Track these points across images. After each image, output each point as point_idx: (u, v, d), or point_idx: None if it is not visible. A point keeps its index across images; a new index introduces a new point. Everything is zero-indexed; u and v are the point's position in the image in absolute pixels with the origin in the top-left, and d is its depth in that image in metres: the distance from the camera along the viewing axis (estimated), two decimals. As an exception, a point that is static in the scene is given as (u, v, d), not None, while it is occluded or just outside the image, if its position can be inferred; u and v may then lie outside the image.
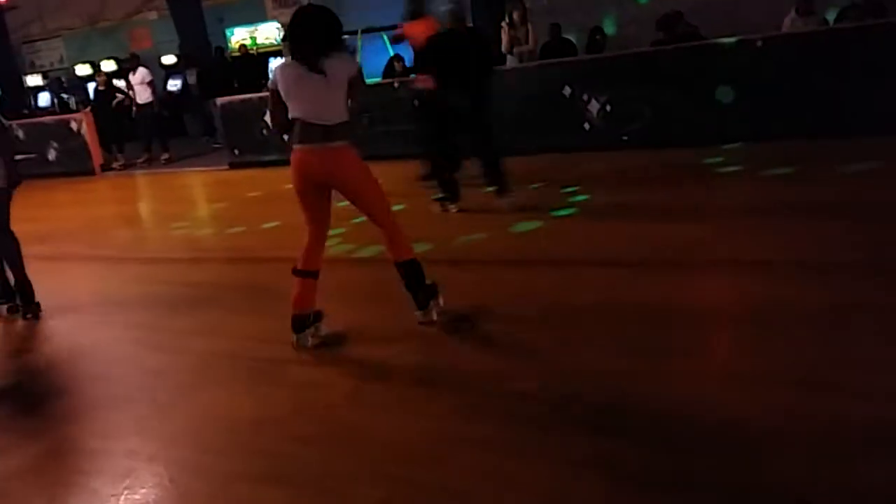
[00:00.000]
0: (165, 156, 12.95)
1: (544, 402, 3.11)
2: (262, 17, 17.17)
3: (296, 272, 3.92)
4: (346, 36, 11.85)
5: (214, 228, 7.70)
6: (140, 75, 12.97)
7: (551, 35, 10.40)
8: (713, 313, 3.86)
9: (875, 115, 6.81)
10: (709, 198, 5.90)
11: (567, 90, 8.31)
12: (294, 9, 4.11)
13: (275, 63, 16.24)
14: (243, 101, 11.01)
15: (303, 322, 3.95)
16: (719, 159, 6.97)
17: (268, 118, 3.55)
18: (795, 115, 7.24)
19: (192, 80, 15.29)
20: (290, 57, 3.85)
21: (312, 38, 3.70)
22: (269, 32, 16.92)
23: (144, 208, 9.97)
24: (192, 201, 9.98)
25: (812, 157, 6.58)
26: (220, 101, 11.28)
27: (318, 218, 3.92)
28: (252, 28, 17.16)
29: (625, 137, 8.04)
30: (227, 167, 11.18)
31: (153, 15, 18.47)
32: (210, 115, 13.43)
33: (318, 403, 3.38)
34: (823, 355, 3.17)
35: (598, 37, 10.58)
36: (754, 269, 4.28)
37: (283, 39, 8.14)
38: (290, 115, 3.81)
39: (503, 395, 3.22)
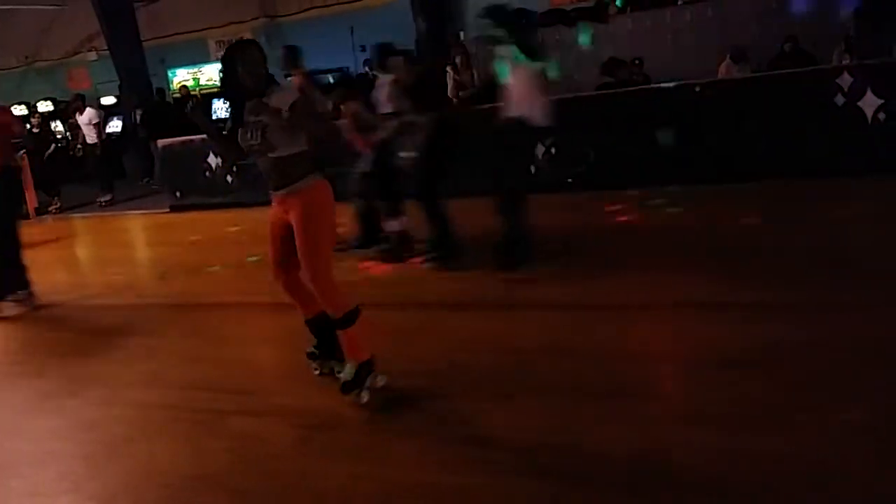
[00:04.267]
0: (107, 197, 12.65)
1: (510, 449, 3.05)
2: (205, 59, 17.06)
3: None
4: (290, 77, 11.59)
5: (154, 273, 7.49)
6: (87, 116, 12.71)
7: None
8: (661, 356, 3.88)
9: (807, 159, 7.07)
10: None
11: (512, 133, 8.38)
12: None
13: (221, 104, 16.12)
14: (184, 142, 10.83)
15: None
16: (660, 201, 7.08)
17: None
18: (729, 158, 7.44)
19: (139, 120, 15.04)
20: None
21: None
22: (211, 74, 16.80)
23: (81, 253, 9.66)
24: (132, 245, 9.72)
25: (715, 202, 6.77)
26: (161, 142, 11.09)
27: None
28: (195, 69, 17.02)
29: (569, 180, 8.14)
30: (167, 210, 10.95)
31: (92, 55, 18.21)
32: (151, 156, 13.20)
33: (259, 455, 3.26)
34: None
35: (541, 81, 10.77)
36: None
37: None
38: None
39: (467, 442, 3.14)
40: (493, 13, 5.28)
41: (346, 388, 3.54)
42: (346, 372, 3.56)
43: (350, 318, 3.49)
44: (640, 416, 3.17)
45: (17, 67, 19.31)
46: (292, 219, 3.48)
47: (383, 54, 6.13)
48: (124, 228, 10.75)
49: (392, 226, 6.07)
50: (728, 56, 9.23)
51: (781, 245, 5.34)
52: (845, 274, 4.54)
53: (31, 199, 12.45)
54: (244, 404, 3.80)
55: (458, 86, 9.55)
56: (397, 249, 6.04)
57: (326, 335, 3.76)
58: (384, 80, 6.05)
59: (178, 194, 10.89)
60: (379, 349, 3.66)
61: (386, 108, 5.97)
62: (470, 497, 2.74)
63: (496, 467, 2.90)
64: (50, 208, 12.68)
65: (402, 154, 5.77)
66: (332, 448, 3.24)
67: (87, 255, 9.53)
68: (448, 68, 9.63)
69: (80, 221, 11.75)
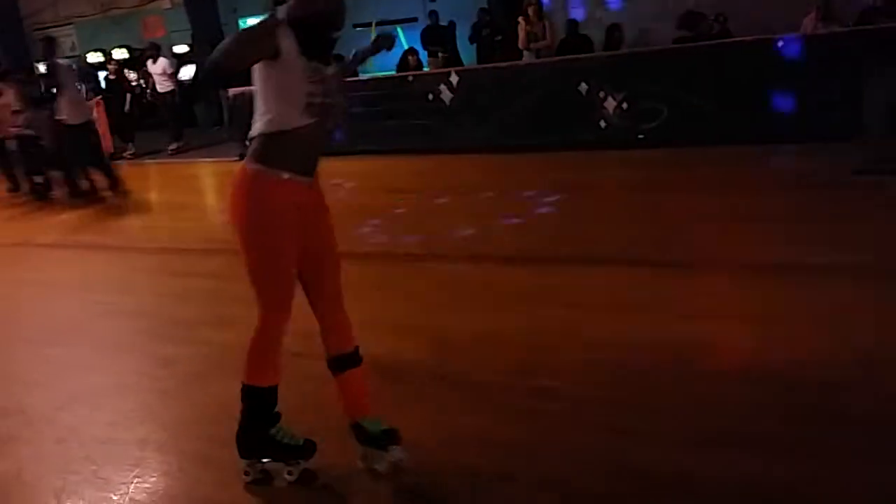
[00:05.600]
0: (174, 146, 12.90)
1: (566, 399, 3.07)
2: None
3: None
4: (359, 28, 11.59)
5: (224, 219, 7.65)
6: (161, 65, 12.91)
7: (568, 31, 10.32)
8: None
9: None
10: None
11: (583, 87, 8.22)
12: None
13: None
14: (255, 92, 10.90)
15: None
16: (732, 158, 6.86)
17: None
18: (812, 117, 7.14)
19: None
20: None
21: None
22: (281, 23, 16.88)
23: (155, 198, 9.92)
24: (203, 192, 9.94)
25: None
26: (232, 91, 11.20)
27: None
28: (265, 19, 17.12)
29: (641, 136, 7.96)
30: (237, 158, 11.12)
31: (166, 4, 18.42)
32: (220, 105, 13.41)
33: (325, 398, 3.31)
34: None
35: (616, 34, 10.47)
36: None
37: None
38: None
39: (526, 394, 3.18)
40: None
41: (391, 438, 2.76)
42: (375, 425, 2.81)
43: None
44: (705, 373, 3.13)
45: (93, 15, 19.69)
46: (319, 213, 2.77)
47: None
48: (194, 175, 10.99)
49: (37, 179, 9.80)
50: (815, 10, 8.77)
51: (859, 208, 5.14)
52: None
53: (108, 145, 12.82)
54: (312, 347, 3.83)
55: (530, 37, 9.36)
56: (42, 193, 9.76)
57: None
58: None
59: (247, 143, 11.01)
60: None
61: None
62: (526, 451, 2.77)
63: (559, 420, 2.93)
64: (125, 153, 13.03)
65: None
66: (401, 395, 3.29)
67: (158, 200, 9.78)
68: (520, 19, 9.44)
69: (152, 167, 12.05)
